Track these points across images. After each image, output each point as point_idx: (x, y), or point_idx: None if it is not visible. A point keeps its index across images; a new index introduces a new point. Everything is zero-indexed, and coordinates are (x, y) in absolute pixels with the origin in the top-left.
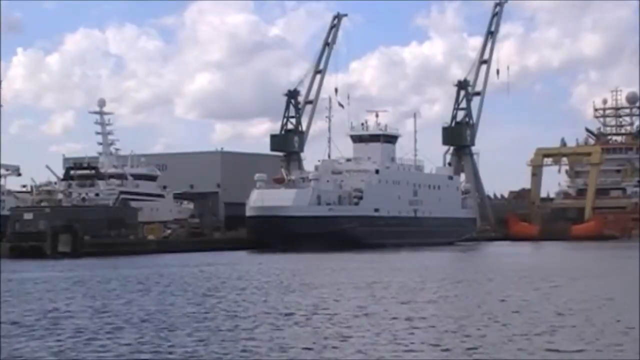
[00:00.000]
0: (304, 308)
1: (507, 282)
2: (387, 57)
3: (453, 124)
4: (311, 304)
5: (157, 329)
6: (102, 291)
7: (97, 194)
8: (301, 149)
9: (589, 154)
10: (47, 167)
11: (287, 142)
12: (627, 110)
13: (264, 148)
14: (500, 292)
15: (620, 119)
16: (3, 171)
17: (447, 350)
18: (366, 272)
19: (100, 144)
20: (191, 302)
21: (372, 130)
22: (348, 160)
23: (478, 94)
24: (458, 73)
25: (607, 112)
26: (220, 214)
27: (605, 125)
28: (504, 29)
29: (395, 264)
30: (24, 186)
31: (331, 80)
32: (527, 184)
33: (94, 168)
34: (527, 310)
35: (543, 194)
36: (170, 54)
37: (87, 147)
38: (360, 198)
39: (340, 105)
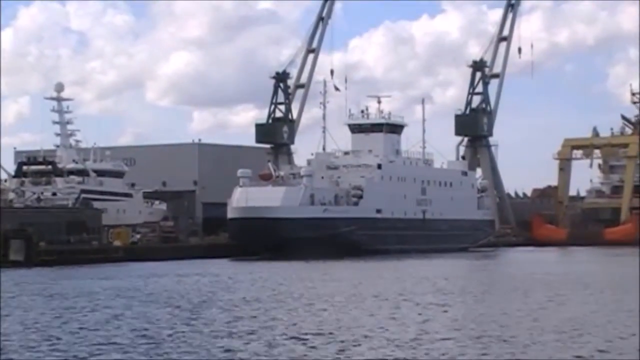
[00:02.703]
0: (315, 332)
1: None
2: (393, 34)
3: (467, 111)
4: (321, 326)
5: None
6: (65, 308)
7: (54, 193)
8: (291, 141)
9: (625, 146)
10: None
11: (275, 133)
12: None
13: (249, 139)
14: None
15: None
16: None
17: None
18: (375, 282)
19: (58, 134)
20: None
21: (374, 118)
22: (346, 153)
23: (497, 76)
24: (476, 52)
25: None
26: (198, 215)
27: None
28: (530, 1)
29: (403, 273)
30: None
31: (326, 61)
32: (553, 181)
33: (50, 163)
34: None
35: (572, 192)
36: (142, 31)
37: (43, 139)
38: (360, 197)
39: (336, 89)
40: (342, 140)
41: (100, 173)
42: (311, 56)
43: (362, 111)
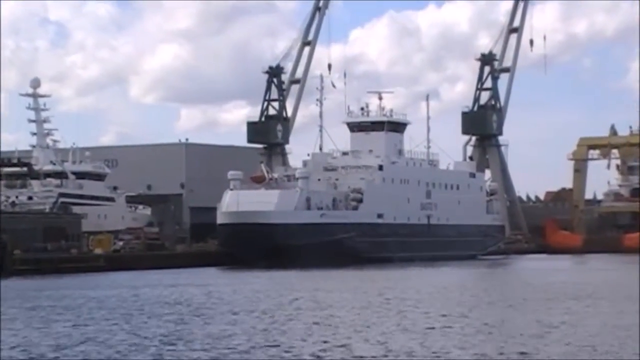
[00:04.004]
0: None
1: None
2: (397, 24)
3: (475, 107)
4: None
5: None
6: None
7: (30, 197)
8: (286, 140)
9: None
10: None
11: (269, 132)
12: None
13: (240, 139)
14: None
15: None
16: None
17: None
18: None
19: (35, 134)
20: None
21: (375, 116)
22: (344, 153)
23: (507, 70)
24: (486, 44)
25: None
26: (185, 221)
27: None
28: None
29: (408, 284)
30: None
31: (324, 54)
32: (568, 183)
33: (26, 165)
34: None
35: (588, 195)
36: (126, 22)
37: (18, 139)
38: (360, 201)
39: (333, 85)
40: (340, 139)
41: (80, 175)
42: (307, 49)
43: (362, 108)
